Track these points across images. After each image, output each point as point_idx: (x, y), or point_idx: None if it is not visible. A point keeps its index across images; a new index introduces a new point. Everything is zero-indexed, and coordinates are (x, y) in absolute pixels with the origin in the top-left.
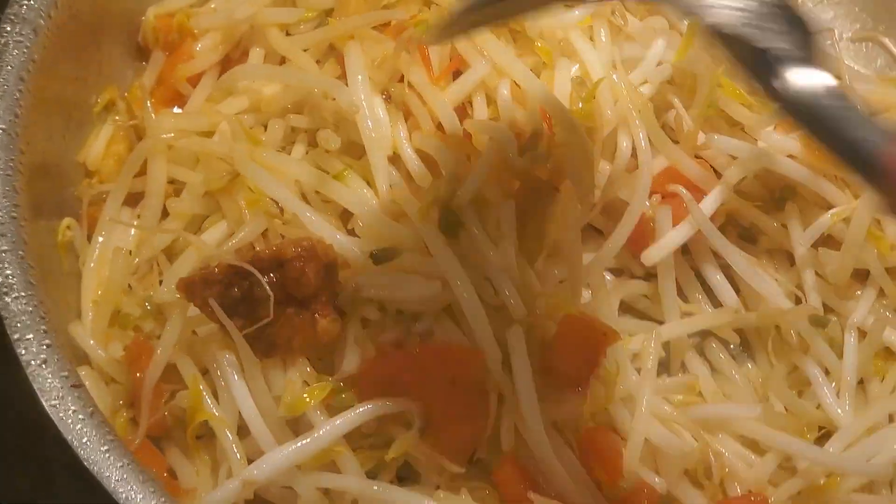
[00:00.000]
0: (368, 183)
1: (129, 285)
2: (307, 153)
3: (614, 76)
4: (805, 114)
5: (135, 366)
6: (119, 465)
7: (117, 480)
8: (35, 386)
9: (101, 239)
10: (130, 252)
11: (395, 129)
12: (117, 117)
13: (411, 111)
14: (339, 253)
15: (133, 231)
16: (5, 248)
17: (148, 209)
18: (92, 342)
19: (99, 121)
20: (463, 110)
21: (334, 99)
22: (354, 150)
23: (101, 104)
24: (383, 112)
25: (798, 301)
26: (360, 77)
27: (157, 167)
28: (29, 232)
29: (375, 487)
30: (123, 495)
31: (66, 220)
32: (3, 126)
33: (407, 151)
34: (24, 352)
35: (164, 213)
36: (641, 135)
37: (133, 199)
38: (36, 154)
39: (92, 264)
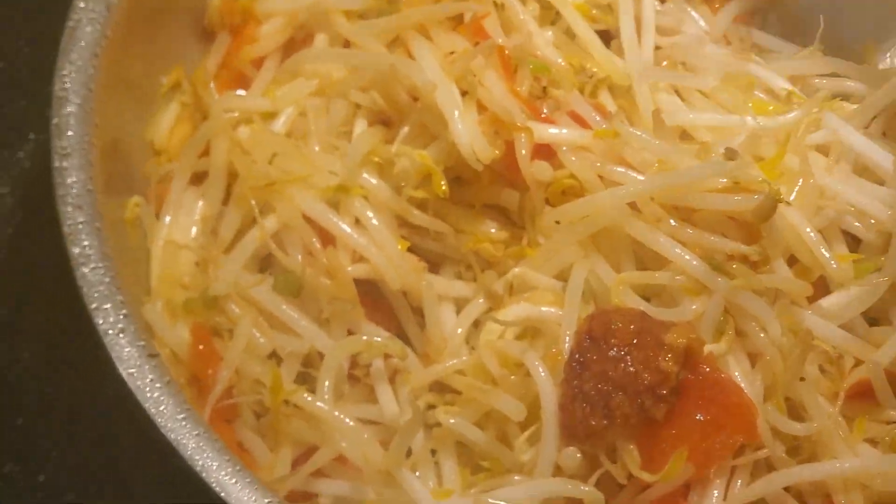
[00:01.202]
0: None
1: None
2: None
3: None
4: None
5: (202, 349)
6: (195, 433)
7: (193, 448)
8: (112, 355)
9: (168, 218)
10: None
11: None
12: (183, 98)
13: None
14: None
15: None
16: (82, 220)
17: (211, 189)
18: (162, 320)
19: (166, 100)
20: None
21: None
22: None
23: (168, 84)
24: (458, 95)
25: None
26: (432, 60)
27: (219, 148)
28: (103, 206)
29: None
30: (200, 463)
31: (135, 198)
32: (78, 101)
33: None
34: (101, 321)
35: None
36: None
37: (200, 179)
38: (108, 130)
39: (160, 242)
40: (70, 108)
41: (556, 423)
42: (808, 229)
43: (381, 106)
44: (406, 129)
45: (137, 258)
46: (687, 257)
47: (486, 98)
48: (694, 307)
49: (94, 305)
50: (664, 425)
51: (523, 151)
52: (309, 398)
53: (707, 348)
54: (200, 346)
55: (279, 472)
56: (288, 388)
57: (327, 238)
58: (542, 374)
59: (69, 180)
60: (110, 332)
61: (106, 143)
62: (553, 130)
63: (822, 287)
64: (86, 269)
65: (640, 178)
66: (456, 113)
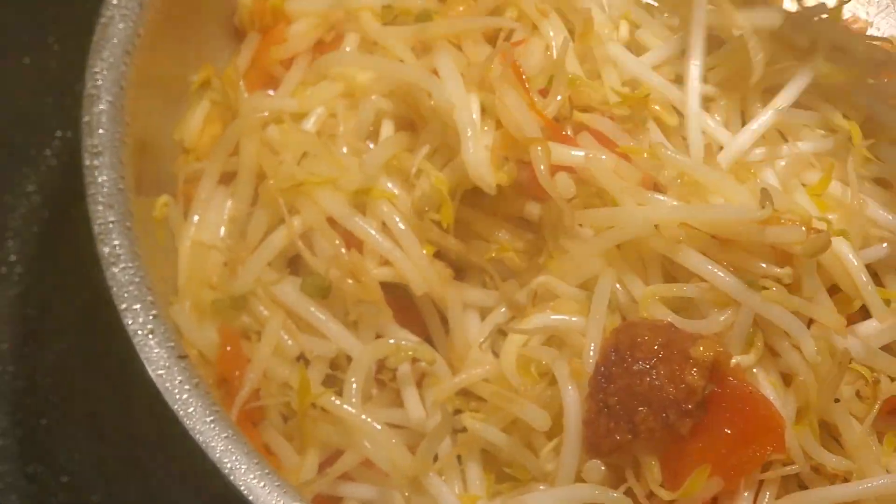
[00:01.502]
0: None
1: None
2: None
3: None
4: None
5: (230, 350)
6: (224, 435)
7: (222, 450)
8: (141, 356)
9: (196, 218)
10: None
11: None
12: (213, 96)
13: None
14: None
15: (227, 211)
16: (112, 219)
17: (240, 189)
18: (190, 321)
19: (196, 99)
20: None
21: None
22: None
23: (197, 82)
24: (478, 115)
25: None
26: (455, 76)
27: (248, 147)
28: (133, 205)
29: None
30: (228, 465)
31: (164, 197)
32: (110, 98)
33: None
34: (130, 322)
35: None
36: None
37: (229, 178)
38: (138, 128)
39: (188, 242)
40: (101, 106)
41: (579, 431)
42: (855, 261)
43: (405, 111)
44: (429, 138)
45: (165, 258)
46: (720, 274)
47: (503, 113)
48: (722, 319)
49: (123, 306)
50: (690, 439)
51: (542, 168)
52: (336, 401)
53: (735, 360)
54: (228, 348)
55: (306, 476)
56: (315, 391)
57: (354, 241)
58: (567, 381)
59: (100, 179)
60: (140, 332)
61: (136, 142)
62: (575, 153)
63: (861, 310)
64: (116, 269)
65: (667, 200)
66: (469, 132)
